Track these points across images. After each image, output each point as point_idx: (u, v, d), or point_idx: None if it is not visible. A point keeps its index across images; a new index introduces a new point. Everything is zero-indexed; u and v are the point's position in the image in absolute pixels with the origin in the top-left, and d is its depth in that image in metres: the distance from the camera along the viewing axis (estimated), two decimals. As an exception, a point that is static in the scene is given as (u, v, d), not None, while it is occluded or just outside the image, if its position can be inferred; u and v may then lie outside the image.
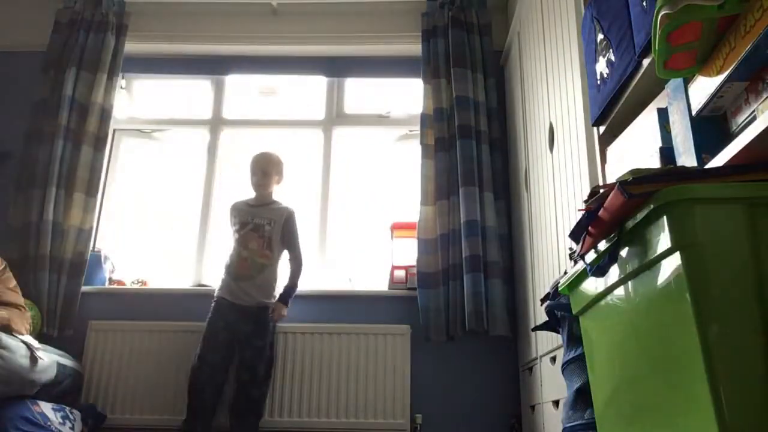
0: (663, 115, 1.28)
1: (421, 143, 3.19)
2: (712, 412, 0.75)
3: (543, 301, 1.52)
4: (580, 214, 1.16)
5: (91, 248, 3.15)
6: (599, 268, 1.05)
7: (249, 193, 2.95)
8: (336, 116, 3.57)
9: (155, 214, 3.56)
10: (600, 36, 1.60)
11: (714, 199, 0.83)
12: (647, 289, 0.92)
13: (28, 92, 3.37)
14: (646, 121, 1.36)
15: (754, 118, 1.00)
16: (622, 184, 0.89)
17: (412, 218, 3.12)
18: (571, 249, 1.65)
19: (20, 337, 2.45)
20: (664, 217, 0.84)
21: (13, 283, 2.64)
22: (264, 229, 2.82)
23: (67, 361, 2.69)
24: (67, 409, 2.58)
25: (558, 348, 2.11)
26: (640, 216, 0.90)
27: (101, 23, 3.41)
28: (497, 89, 3.32)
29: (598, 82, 1.64)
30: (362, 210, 3.46)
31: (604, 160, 1.69)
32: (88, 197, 3.16)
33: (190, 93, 3.69)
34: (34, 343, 2.49)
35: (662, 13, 0.99)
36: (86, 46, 3.36)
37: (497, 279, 2.91)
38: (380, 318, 3.01)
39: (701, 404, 0.77)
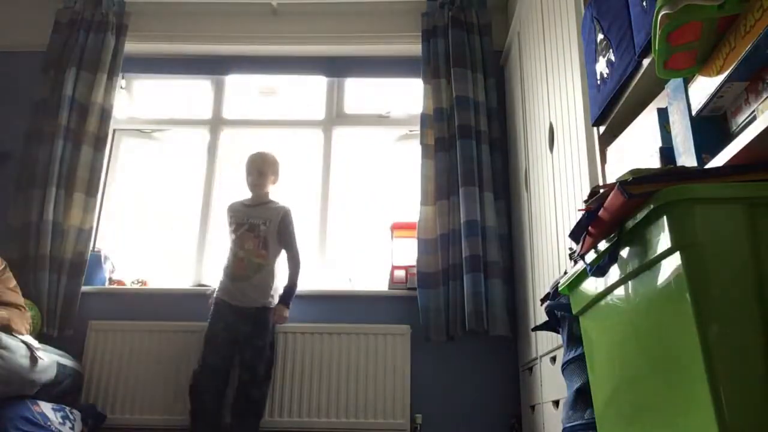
0: (663, 115, 1.28)
1: (421, 143, 3.19)
2: (712, 412, 0.75)
3: (543, 301, 1.52)
4: (580, 214, 1.16)
5: (91, 248, 3.15)
6: (599, 268, 1.05)
7: (247, 194, 2.95)
8: (336, 116, 3.57)
9: (155, 214, 3.55)
10: (600, 36, 1.60)
11: (714, 199, 0.83)
12: (647, 289, 0.92)
13: (28, 92, 3.37)
14: (646, 121, 1.36)
15: (754, 118, 1.00)
16: (622, 184, 0.89)
17: (412, 218, 3.12)
18: (571, 249, 1.65)
19: (20, 337, 2.45)
20: (664, 217, 0.84)
21: (13, 283, 2.64)
22: (259, 228, 2.81)
23: (67, 361, 2.69)
24: (67, 409, 2.58)
25: (558, 348, 2.11)
26: (640, 216, 0.90)
27: (101, 23, 3.41)
28: (497, 89, 3.32)
29: (598, 82, 1.64)
30: (362, 210, 3.46)
31: (604, 160, 1.69)
32: (88, 197, 3.16)
33: (190, 93, 3.69)
34: (34, 343, 2.49)
35: (662, 13, 0.99)
36: (86, 46, 3.36)
37: (497, 279, 2.91)
38: (380, 318, 3.01)
39: (701, 404, 0.77)
